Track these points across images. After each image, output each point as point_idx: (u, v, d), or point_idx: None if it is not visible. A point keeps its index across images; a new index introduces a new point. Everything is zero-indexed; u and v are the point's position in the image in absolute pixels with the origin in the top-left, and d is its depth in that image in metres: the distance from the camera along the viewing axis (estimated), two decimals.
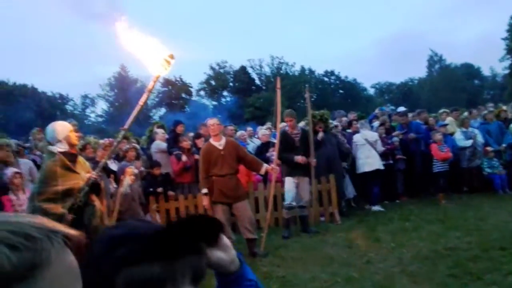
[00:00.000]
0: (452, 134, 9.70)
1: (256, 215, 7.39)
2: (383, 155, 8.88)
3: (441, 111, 11.19)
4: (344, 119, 11.20)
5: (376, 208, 8.49)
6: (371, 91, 62.10)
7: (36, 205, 3.71)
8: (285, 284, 4.75)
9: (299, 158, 6.49)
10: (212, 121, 6.25)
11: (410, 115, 10.52)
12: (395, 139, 9.22)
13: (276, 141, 6.39)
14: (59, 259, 0.61)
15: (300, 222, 7.13)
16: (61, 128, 4.03)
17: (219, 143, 6.04)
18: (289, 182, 6.82)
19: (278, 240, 6.57)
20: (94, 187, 3.97)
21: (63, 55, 77.15)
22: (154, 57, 3.51)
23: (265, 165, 6.16)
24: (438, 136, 8.80)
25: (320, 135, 7.90)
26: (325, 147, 7.90)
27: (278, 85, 6.32)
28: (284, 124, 10.30)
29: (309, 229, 6.95)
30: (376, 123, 10.21)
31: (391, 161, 9.02)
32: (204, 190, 5.90)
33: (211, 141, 6.11)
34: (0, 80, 47.59)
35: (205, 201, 5.90)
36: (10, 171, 5.70)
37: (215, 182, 5.87)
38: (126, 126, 3.89)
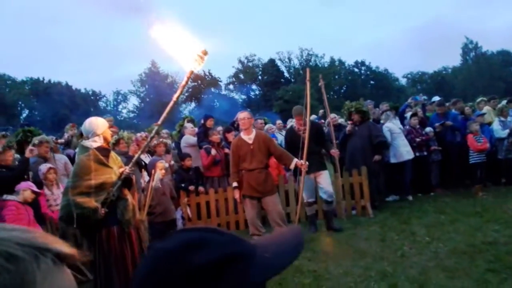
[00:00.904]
0: (489, 124, 9.34)
1: (286, 209, 7.36)
2: (417, 146, 8.65)
3: (478, 99, 10.75)
4: (376, 110, 10.98)
5: (391, 198, 8.50)
6: (403, 81, 60.89)
7: (70, 198, 3.77)
8: (317, 278, 4.68)
9: (298, 163, 6.04)
10: (243, 115, 6.17)
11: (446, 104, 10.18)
12: (429, 129, 8.96)
13: (305, 134, 6.24)
14: (47, 282, 0.54)
15: (325, 218, 6.86)
16: (102, 123, 4.10)
17: (249, 137, 6.00)
18: (306, 180, 6.46)
19: (309, 234, 6.49)
20: (126, 182, 4.01)
21: (96, 53, 78.88)
22: (187, 53, 3.50)
23: (295, 160, 6.08)
24: (474, 127, 8.48)
25: (348, 127, 7.77)
26: (354, 139, 7.74)
27: (308, 77, 6.20)
28: (314, 116, 10.21)
29: (333, 226, 6.69)
30: (408, 114, 9.95)
31: (425, 153, 8.78)
32: (234, 184, 5.93)
33: (242, 135, 6.09)
34: (35, 78, 49.23)
35: (236, 195, 5.95)
36: (44, 166, 5.84)
37: (245, 176, 5.88)
38: (159, 122, 3.90)
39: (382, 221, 6.98)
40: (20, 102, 47.62)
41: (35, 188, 5.22)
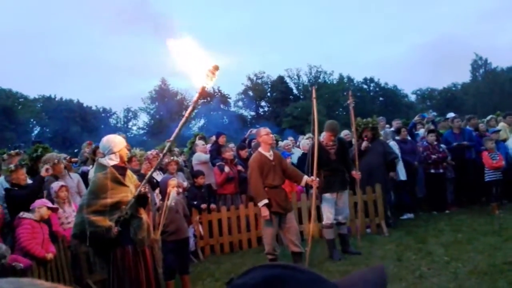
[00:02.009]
0: (504, 140, 9.21)
1: (299, 226, 7.25)
2: (433, 163, 8.55)
3: (488, 117, 10.63)
4: (387, 126, 10.91)
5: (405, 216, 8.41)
6: (412, 98, 60.60)
7: (84, 216, 3.74)
8: None
9: (308, 180, 5.95)
10: (266, 130, 6.10)
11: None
12: (443, 146, 8.86)
13: (314, 151, 6.17)
14: None
15: (340, 241, 6.52)
16: (119, 141, 4.08)
17: (269, 154, 5.95)
18: (327, 200, 6.33)
19: (323, 253, 6.36)
20: (141, 200, 3.97)
21: (107, 70, 79.92)
22: (199, 69, 3.48)
23: (305, 177, 6.03)
24: (490, 145, 8.34)
25: (364, 144, 7.67)
26: (369, 156, 7.65)
27: (314, 95, 6.19)
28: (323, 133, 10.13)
29: (349, 249, 6.43)
30: (421, 131, 9.86)
31: (441, 170, 8.65)
32: (265, 201, 5.66)
33: (262, 151, 5.96)
34: (47, 96, 49.85)
35: (266, 212, 5.66)
36: (56, 184, 5.83)
37: (269, 193, 5.73)
38: (171, 138, 3.87)
39: (398, 239, 6.84)
40: (32, 120, 48.14)
41: (50, 205, 5.20)
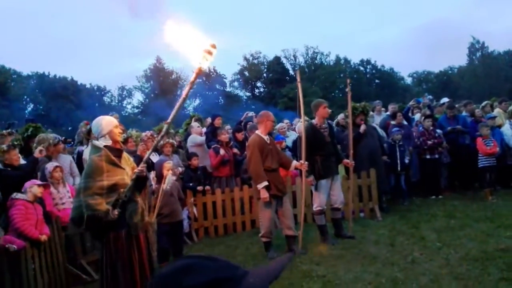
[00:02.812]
0: (500, 126, 9.22)
1: (293, 210, 7.27)
2: (429, 149, 8.57)
3: (484, 103, 10.60)
4: (383, 109, 10.89)
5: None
6: (409, 80, 60.50)
7: (81, 200, 3.70)
8: (327, 284, 4.60)
9: (297, 164, 5.96)
10: (272, 117, 6.06)
11: (456, 105, 10.09)
12: (439, 131, 8.87)
13: (302, 136, 6.14)
14: None
15: (333, 226, 6.54)
16: (106, 123, 3.99)
17: (267, 137, 5.93)
18: (322, 186, 6.28)
19: (317, 237, 6.40)
20: (139, 182, 3.93)
21: (101, 48, 78.89)
22: (195, 48, 3.41)
23: (294, 162, 6.06)
24: (485, 131, 8.33)
25: (362, 127, 7.65)
26: (366, 139, 7.64)
27: (298, 78, 6.14)
28: (310, 120, 10.07)
29: (342, 233, 6.45)
30: (417, 115, 9.85)
31: (436, 156, 8.68)
32: (265, 183, 5.60)
33: (260, 134, 5.91)
34: (41, 73, 49.26)
35: (266, 194, 5.61)
36: (50, 165, 5.79)
37: (267, 176, 5.67)
38: (169, 120, 3.80)
39: (391, 224, 6.90)
40: (25, 96, 47.65)
41: (39, 182, 5.16)
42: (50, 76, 49.29)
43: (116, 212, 3.73)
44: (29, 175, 5.28)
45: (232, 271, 0.86)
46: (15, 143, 5.93)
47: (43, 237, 5.00)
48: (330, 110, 6.52)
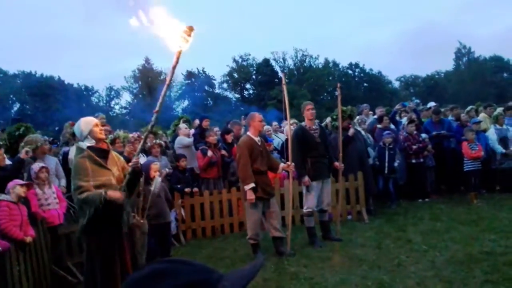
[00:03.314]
0: (485, 131, 9.35)
1: (281, 212, 7.28)
2: (414, 154, 8.65)
3: (468, 108, 10.75)
4: (370, 113, 10.98)
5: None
6: (396, 84, 60.97)
7: (77, 201, 3.74)
8: (314, 286, 4.62)
9: (284, 166, 6.02)
10: (260, 117, 6.07)
11: (442, 110, 10.21)
12: (425, 136, 8.96)
13: (288, 138, 6.18)
14: None
15: (321, 228, 6.57)
16: (85, 123, 3.99)
17: (258, 139, 5.94)
18: (313, 188, 6.29)
19: (304, 239, 6.42)
20: (135, 176, 3.93)
21: (89, 48, 78.24)
22: (174, 33, 3.46)
23: (281, 164, 6.09)
24: (470, 135, 8.44)
25: (351, 131, 7.70)
26: (355, 143, 7.70)
27: (284, 81, 6.17)
28: (300, 123, 10.11)
29: (330, 236, 6.47)
30: (404, 119, 9.95)
31: (421, 160, 8.77)
32: (252, 185, 5.62)
33: (251, 135, 5.92)
34: (27, 72, 48.66)
35: (252, 196, 5.63)
36: (36, 165, 5.72)
37: (255, 178, 5.69)
38: (157, 108, 3.79)
39: (378, 227, 6.95)
40: (11, 96, 47.03)
41: (21, 182, 5.08)
42: (36, 75, 48.71)
43: (120, 194, 3.73)
44: (14, 176, 5.20)
45: (207, 274, 0.84)
46: (1, 143, 5.84)
47: (28, 239, 4.93)
48: (313, 111, 6.49)
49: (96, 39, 73.13)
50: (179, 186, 7.38)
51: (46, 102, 41.98)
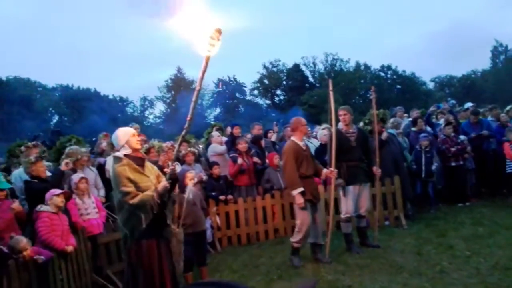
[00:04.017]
0: None
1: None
2: (453, 156, 8.40)
3: (508, 107, 10.35)
4: (405, 115, 10.75)
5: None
6: (431, 85, 59.53)
7: (129, 208, 3.76)
8: None
9: (327, 172, 5.88)
10: (304, 121, 6.01)
11: (481, 110, 9.88)
12: (463, 137, 8.69)
13: (332, 142, 6.10)
14: None
15: (358, 234, 6.43)
16: (122, 133, 4.07)
17: (302, 144, 5.90)
18: (349, 192, 6.20)
19: (342, 246, 6.31)
20: (172, 182, 3.98)
21: (124, 59, 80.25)
22: (203, 37, 3.49)
23: (324, 170, 5.97)
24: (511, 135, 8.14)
25: (385, 134, 7.54)
26: (389, 146, 7.53)
27: (331, 86, 6.08)
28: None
29: (367, 242, 6.34)
30: (441, 121, 9.69)
31: (461, 162, 8.49)
32: (301, 189, 5.54)
33: (296, 140, 5.84)
34: (65, 85, 50.37)
35: (301, 200, 5.55)
36: (76, 176, 5.88)
37: (303, 183, 5.62)
38: (189, 115, 3.83)
39: (417, 233, 6.76)
40: (50, 108, 48.74)
41: (58, 192, 5.18)
42: (74, 88, 50.34)
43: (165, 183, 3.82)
44: (55, 188, 5.36)
45: None
46: (42, 155, 6.04)
47: (70, 248, 5.06)
48: (345, 116, 6.37)
49: (130, 51, 74.96)
50: (213, 193, 7.42)
51: (83, 114, 43.21)
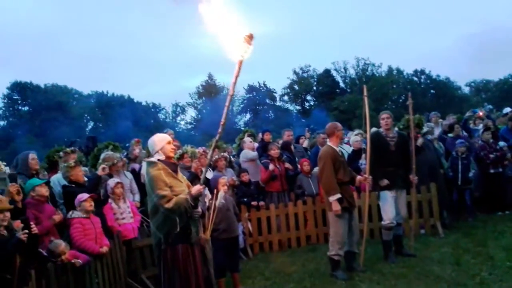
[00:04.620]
0: None
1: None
2: (492, 163, 8.12)
3: None
4: (440, 121, 10.48)
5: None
6: (466, 90, 57.91)
7: (164, 212, 3.78)
8: None
9: (361, 178, 5.76)
10: (341, 126, 5.95)
11: None
12: (503, 144, 8.39)
13: (367, 149, 6.00)
14: None
15: (394, 242, 6.19)
16: (158, 140, 4.13)
17: (338, 149, 5.83)
18: (387, 198, 6.05)
19: (376, 254, 6.19)
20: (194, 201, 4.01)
21: (157, 66, 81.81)
22: (235, 42, 3.52)
23: (358, 177, 5.85)
24: None
25: (420, 140, 7.34)
26: (424, 153, 7.34)
27: (365, 92, 5.98)
28: (374, 129, 9.80)
29: (403, 251, 6.19)
30: (480, 126, 9.40)
31: (500, 169, 8.21)
32: (338, 195, 5.41)
33: (332, 145, 5.74)
34: (100, 92, 51.80)
35: (338, 207, 5.41)
36: (112, 181, 6.00)
37: (340, 189, 5.51)
38: (222, 120, 3.86)
39: (455, 242, 6.55)
40: (85, 115, 50.18)
41: (84, 196, 5.24)
42: (108, 95, 51.68)
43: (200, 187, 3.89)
44: (92, 192, 5.48)
45: None
46: (80, 160, 6.20)
47: (104, 249, 5.14)
48: (388, 120, 6.26)
49: (164, 58, 76.39)
50: (245, 199, 7.43)
51: (117, 120, 44.26)
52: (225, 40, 3.60)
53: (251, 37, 3.48)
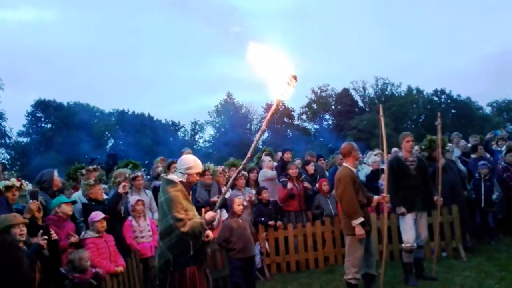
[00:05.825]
0: None
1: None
2: None
3: None
4: (462, 141, 10.30)
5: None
6: (488, 110, 57.02)
7: (180, 234, 3.69)
8: None
9: (379, 198, 5.68)
10: (356, 146, 5.84)
11: None
12: None
13: (385, 168, 5.93)
14: None
15: (415, 265, 6.03)
16: (196, 164, 3.98)
17: (355, 170, 5.76)
18: (408, 220, 5.95)
19: (396, 277, 6.05)
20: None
21: (176, 85, 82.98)
22: (276, 80, 3.48)
23: (375, 197, 5.76)
24: None
25: (442, 161, 7.23)
26: (446, 174, 7.21)
27: (381, 112, 5.93)
28: (395, 149, 9.71)
29: (424, 274, 6.04)
30: (503, 147, 9.21)
31: None
32: (361, 219, 5.23)
33: (348, 166, 5.60)
34: (121, 110, 52.71)
35: (362, 231, 5.22)
36: (133, 198, 6.06)
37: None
38: (249, 153, 3.84)
39: (478, 266, 6.37)
40: (106, 132, 51.01)
41: (98, 217, 5.23)
42: (129, 113, 52.51)
43: (212, 213, 3.89)
44: (112, 210, 5.53)
45: None
46: (101, 178, 6.28)
47: (119, 269, 5.16)
48: (413, 143, 6.23)
49: (183, 76, 77.39)
50: (262, 218, 7.38)
51: (137, 138, 44.87)
52: (270, 76, 3.52)
53: (295, 78, 3.40)
